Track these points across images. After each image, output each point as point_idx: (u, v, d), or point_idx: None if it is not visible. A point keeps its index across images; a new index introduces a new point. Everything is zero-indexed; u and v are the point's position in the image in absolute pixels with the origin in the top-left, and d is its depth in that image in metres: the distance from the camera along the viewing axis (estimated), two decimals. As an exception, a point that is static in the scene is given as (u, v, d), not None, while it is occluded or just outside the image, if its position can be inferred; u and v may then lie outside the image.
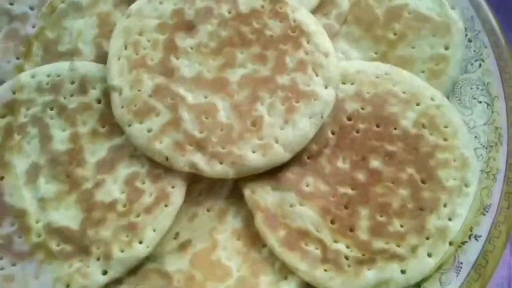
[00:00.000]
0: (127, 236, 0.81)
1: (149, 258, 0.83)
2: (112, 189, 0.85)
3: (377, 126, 0.89)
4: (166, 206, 0.83)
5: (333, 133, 0.89)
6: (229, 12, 0.93)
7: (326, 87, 0.89)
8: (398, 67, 0.93)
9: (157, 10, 0.93)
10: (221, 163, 0.85)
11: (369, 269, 0.82)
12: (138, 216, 0.83)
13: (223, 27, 0.93)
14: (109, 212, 0.83)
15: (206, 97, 0.89)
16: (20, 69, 0.95)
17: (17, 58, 0.96)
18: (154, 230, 0.82)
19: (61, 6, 0.98)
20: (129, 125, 0.87)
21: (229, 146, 0.85)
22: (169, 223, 0.83)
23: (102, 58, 0.96)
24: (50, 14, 0.97)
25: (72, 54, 0.96)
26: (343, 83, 0.92)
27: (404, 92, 0.91)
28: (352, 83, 0.92)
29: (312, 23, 0.93)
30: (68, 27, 0.97)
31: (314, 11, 0.99)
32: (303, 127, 0.86)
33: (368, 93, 0.91)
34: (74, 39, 0.97)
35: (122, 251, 0.81)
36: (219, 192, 0.89)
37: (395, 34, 0.98)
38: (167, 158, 0.85)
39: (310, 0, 0.98)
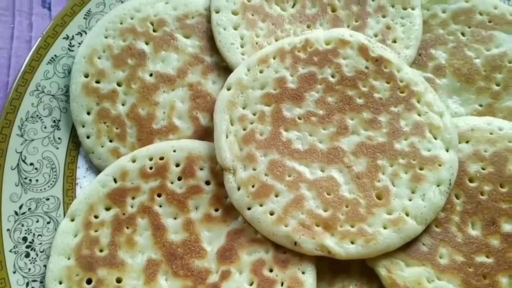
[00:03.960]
0: (266, 332, 0.76)
1: None
2: (240, 281, 0.79)
3: (501, 186, 0.86)
4: (301, 294, 0.78)
5: (457, 197, 0.86)
6: (333, 76, 0.89)
7: (447, 150, 0.85)
8: (509, 121, 0.91)
9: (258, 80, 0.88)
10: (352, 242, 0.80)
11: None
12: (273, 308, 0.78)
13: (330, 93, 0.88)
14: (243, 307, 0.78)
15: (323, 171, 0.85)
16: (115, 153, 0.88)
17: (111, 141, 0.89)
18: (294, 323, 0.77)
19: (149, 80, 0.92)
20: (249, 208, 0.82)
21: (359, 223, 0.81)
22: (308, 313, 0.78)
23: (200, 133, 0.90)
24: (138, 89, 0.91)
25: (168, 131, 0.90)
26: (459, 142, 0.88)
27: (522, 148, 0.88)
28: (467, 141, 0.89)
29: (420, 82, 0.89)
30: (160, 102, 0.91)
31: (410, 65, 0.96)
32: (433, 196, 0.82)
33: (485, 151, 0.88)
34: (167, 114, 0.91)
35: None
36: (347, 271, 0.84)
37: (497, 84, 0.95)
38: (295, 243, 0.80)
39: (407, 55, 0.95)
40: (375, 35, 0.96)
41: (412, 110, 0.88)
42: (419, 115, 0.87)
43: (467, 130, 0.89)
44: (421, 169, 0.84)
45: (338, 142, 0.86)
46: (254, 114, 0.87)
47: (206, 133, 0.90)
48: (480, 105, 0.95)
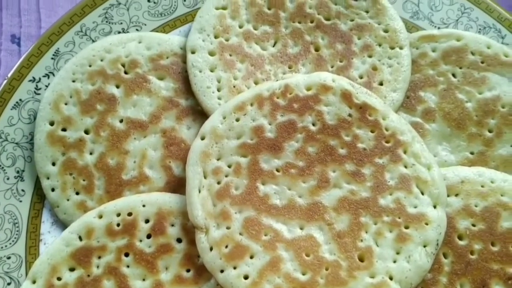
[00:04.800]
0: None
1: None
2: None
3: (493, 245, 0.81)
4: None
5: (445, 256, 0.80)
6: (314, 125, 0.84)
7: (435, 207, 0.80)
8: (501, 172, 0.85)
9: (233, 129, 0.83)
10: (332, 309, 0.75)
11: None
12: None
13: (310, 143, 0.83)
14: None
15: (302, 229, 0.79)
16: (82, 206, 0.82)
17: (77, 193, 0.84)
18: None
19: (119, 126, 0.87)
20: (222, 271, 0.76)
21: (339, 288, 0.76)
22: None
23: (173, 184, 0.85)
24: (108, 137, 0.86)
25: (138, 182, 0.84)
26: (447, 195, 0.83)
27: (515, 202, 0.83)
28: (457, 194, 0.83)
29: (407, 130, 0.84)
30: (130, 150, 0.86)
31: (398, 109, 0.91)
32: (418, 258, 0.77)
33: (476, 206, 0.82)
34: (138, 164, 0.85)
35: None
36: (327, 337, 0.79)
37: (490, 131, 0.89)
38: (271, 310, 0.75)
39: (394, 99, 0.89)
40: (361, 77, 0.90)
41: (398, 161, 0.82)
42: (405, 167, 0.82)
43: (457, 182, 0.84)
44: (406, 227, 0.79)
45: (318, 197, 0.81)
46: (229, 166, 0.82)
47: (179, 184, 0.85)
48: (472, 153, 0.89)
